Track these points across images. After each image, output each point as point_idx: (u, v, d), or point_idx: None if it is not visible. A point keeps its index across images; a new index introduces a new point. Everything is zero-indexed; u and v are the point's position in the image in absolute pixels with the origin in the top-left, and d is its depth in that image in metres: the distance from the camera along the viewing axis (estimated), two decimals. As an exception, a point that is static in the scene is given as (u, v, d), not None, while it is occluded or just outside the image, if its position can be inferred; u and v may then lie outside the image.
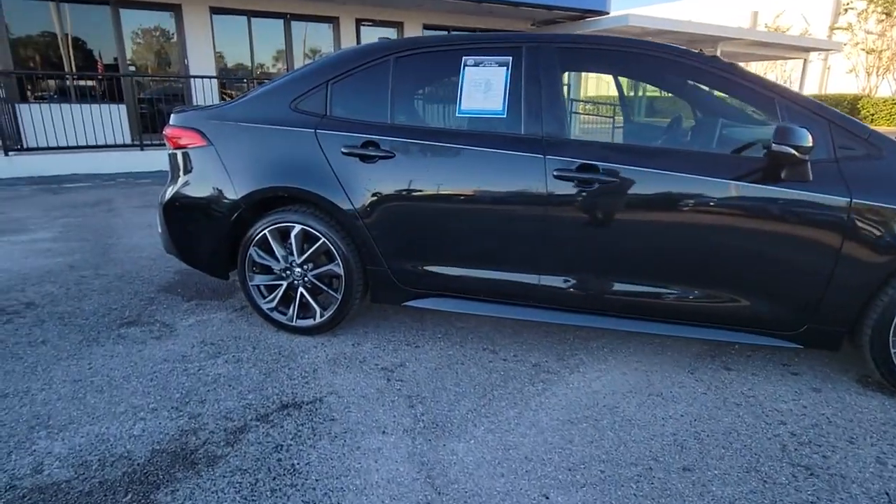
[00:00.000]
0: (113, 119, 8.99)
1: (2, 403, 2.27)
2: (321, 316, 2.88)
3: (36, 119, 8.45)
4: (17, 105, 8.84)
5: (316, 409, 2.28)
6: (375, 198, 2.65)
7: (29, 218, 5.51)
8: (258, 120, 2.83)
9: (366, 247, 2.73)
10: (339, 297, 2.83)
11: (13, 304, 3.30)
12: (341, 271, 2.79)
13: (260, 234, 2.84)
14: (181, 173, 2.97)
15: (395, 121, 2.71)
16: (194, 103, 9.90)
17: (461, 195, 2.57)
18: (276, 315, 2.96)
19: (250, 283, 2.95)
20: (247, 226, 2.91)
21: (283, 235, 2.86)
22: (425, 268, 2.72)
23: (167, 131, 3.03)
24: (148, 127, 9.65)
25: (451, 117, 2.69)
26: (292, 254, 2.84)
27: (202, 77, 9.61)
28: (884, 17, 23.09)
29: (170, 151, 3.04)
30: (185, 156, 2.94)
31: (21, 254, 4.29)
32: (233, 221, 2.85)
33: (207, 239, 2.95)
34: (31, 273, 3.85)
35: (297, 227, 2.78)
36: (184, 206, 2.96)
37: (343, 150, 2.68)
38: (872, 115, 21.68)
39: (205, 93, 9.77)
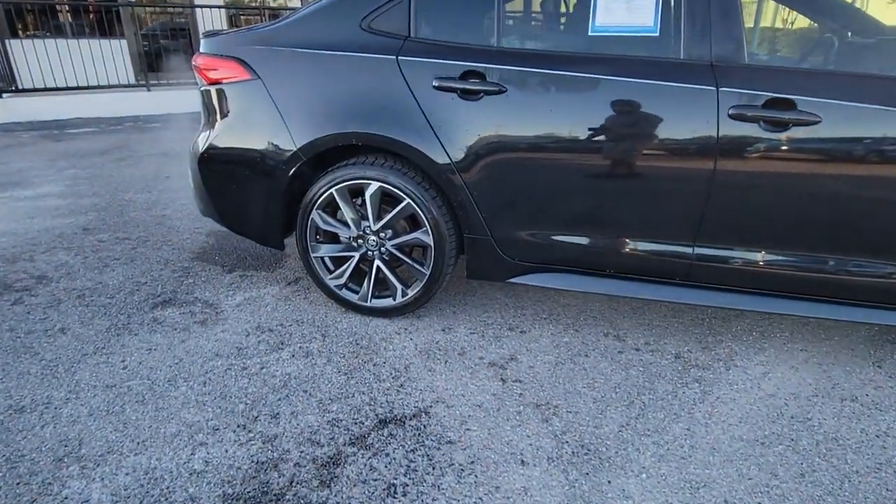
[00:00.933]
0: (115, 56, 8.19)
1: (18, 422, 1.76)
2: (403, 295, 2.32)
3: (30, 57, 7.66)
4: (6, 41, 8.04)
5: (424, 427, 1.76)
6: (479, 146, 2.03)
7: (31, 169, 4.89)
8: (319, 45, 2.17)
9: (463, 209, 2.14)
10: (427, 273, 2.26)
11: (22, 277, 2.75)
12: (430, 240, 2.20)
13: (325, 195, 2.24)
14: (219, 116, 2.34)
15: (504, 43, 2.05)
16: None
17: (595, 142, 1.95)
18: (345, 293, 2.40)
19: (313, 255, 2.37)
20: (308, 183, 2.31)
21: (354, 195, 2.27)
22: (542, 236, 2.13)
23: (198, 61, 2.37)
24: (153, 65, 8.83)
25: (582, 38, 2.02)
26: (366, 218, 2.26)
27: (208, 6, 8.70)
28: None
29: (202, 88, 2.40)
30: (223, 94, 2.30)
31: (26, 213, 3.72)
32: (290, 178, 2.25)
33: (256, 200, 2.35)
34: (40, 237, 3.28)
35: (374, 186, 2.17)
36: (224, 159, 2.35)
37: (435, 83, 2.03)
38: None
39: (213, 25, 8.88)
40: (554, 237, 2.12)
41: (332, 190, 2.22)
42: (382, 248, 2.30)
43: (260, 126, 2.25)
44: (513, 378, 2.00)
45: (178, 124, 7.22)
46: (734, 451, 1.67)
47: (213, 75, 2.32)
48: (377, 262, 2.31)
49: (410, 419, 1.79)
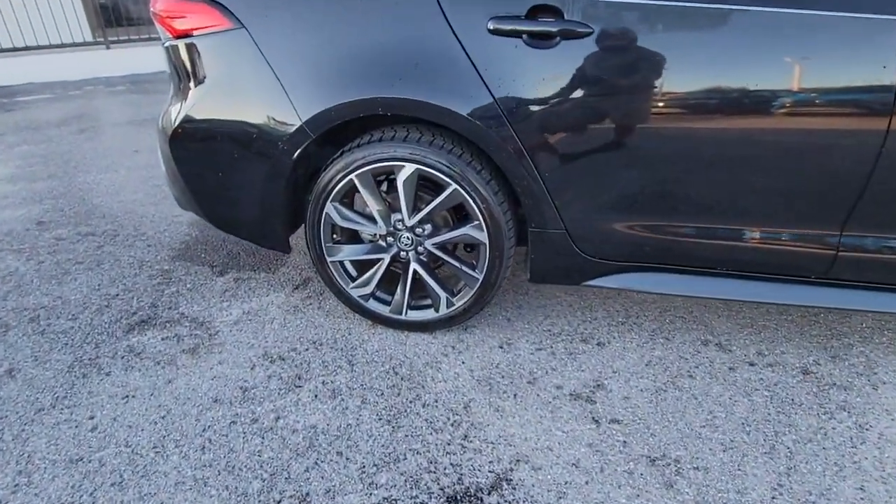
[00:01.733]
0: (66, 9, 7.29)
1: (-54, 530, 1.26)
2: (448, 305, 1.82)
3: (-32, 14, 6.77)
4: (-59, -3, 7.10)
5: (511, 506, 1.29)
6: (555, 111, 1.49)
7: (-24, 147, 4.23)
8: (323, -24, 1.58)
9: (530, 196, 1.61)
10: (480, 277, 1.75)
11: (-41, 294, 2.20)
12: (484, 236, 1.69)
13: (343, 182, 1.70)
14: (192, 82, 1.76)
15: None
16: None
17: (717, 99, 1.41)
18: (373, 305, 1.89)
19: (330, 259, 1.85)
20: (319, 166, 1.77)
21: (381, 181, 1.74)
22: (640, 225, 1.62)
23: (157, 7, 1.77)
24: (112, 18, 7.92)
25: None
26: (398, 210, 1.73)
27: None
28: None
29: (167, 43, 1.80)
30: (195, 50, 1.71)
31: (-32, 203, 3.11)
32: (294, 161, 1.70)
33: (250, 190, 1.80)
34: (-16, 236, 2.70)
35: (409, 168, 1.64)
36: (204, 136, 1.78)
37: (491, 25, 1.47)
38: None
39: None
40: (656, 226, 1.61)
41: (353, 176, 1.68)
42: (420, 248, 1.78)
43: (249, 92, 1.68)
44: (608, 417, 1.54)
45: (145, 87, 6.47)
46: (936, 522, 1.24)
47: (180, 25, 1.72)
48: (413, 266, 1.80)
49: (489, 493, 1.32)
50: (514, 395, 1.62)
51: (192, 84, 1.76)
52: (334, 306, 2.06)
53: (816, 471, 1.36)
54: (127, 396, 1.64)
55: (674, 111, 1.45)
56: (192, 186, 1.90)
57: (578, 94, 1.47)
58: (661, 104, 1.44)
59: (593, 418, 1.53)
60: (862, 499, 1.29)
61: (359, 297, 1.88)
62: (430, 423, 1.53)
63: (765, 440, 1.45)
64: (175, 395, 1.64)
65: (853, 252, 1.52)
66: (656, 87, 1.43)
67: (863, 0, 1.30)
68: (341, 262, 1.86)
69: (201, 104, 1.75)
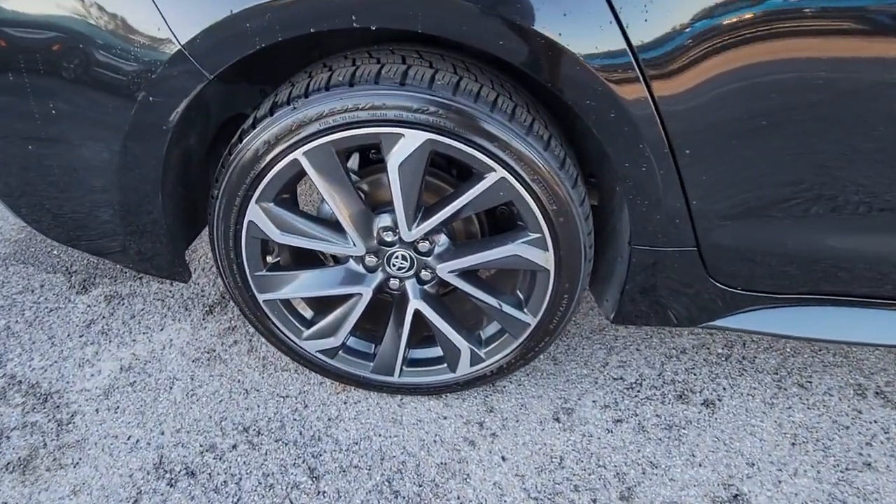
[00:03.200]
0: None
1: None
2: (473, 361, 1.08)
3: None
4: None
5: None
6: (729, 58, 0.71)
7: None
8: None
9: (645, 193, 0.85)
10: (534, 321, 1.01)
11: None
12: (547, 258, 0.93)
13: (281, 164, 0.87)
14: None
15: None
16: None
17: None
18: (341, 362, 1.12)
19: (262, 297, 1.04)
20: (221, 132, 0.93)
21: (357, 159, 0.94)
22: (816, 239, 0.91)
23: None
24: None
25: None
26: (386, 212, 0.94)
27: None
28: None
29: None
30: None
31: None
32: (176, 122, 0.84)
33: (92, 177, 0.94)
34: None
35: (414, 139, 0.82)
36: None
37: None
38: None
39: None
40: (836, 240, 0.91)
41: (300, 153, 0.85)
42: (424, 274, 1.01)
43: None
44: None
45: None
46: None
47: None
48: (416, 305, 1.03)
49: None
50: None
51: None
52: (273, 355, 1.28)
53: None
54: None
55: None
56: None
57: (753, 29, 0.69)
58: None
59: (752, 579, 0.89)
60: None
61: (319, 352, 1.10)
62: None
63: None
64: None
65: None
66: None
67: None
68: (282, 302, 1.06)
69: None
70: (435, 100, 0.80)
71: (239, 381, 1.21)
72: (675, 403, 1.18)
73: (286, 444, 1.09)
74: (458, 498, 1.00)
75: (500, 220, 1.06)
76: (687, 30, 0.71)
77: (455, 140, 0.82)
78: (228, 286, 1.04)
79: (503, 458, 1.07)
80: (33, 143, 0.92)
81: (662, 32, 0.72)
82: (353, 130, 0.83)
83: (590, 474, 1.04)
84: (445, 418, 1.14)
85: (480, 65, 0.88)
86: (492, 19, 0.73)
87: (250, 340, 1.30)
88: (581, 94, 0.77)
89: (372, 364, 1.11)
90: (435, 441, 1.09)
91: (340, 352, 1.11)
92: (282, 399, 1.17)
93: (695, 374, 1.24)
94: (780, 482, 1.04)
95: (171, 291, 1.44)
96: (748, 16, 0.70)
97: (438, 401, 1.17)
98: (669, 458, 1.07)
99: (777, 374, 1.24)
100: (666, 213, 0.87)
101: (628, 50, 0.73)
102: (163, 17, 0.75)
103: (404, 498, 1.00)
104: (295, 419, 1.13)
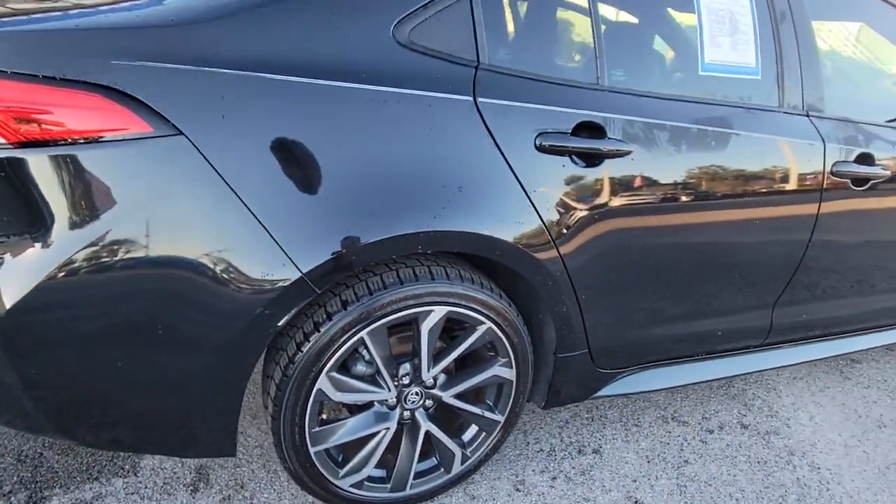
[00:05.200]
0: None
1: None
2: (464, 460, 1.49)
3: None
4: None
5: None
6: (597, 234, 1.37)
7: None
8: (313, 66, 1.10)
9: (565, 322, 1.44)
10: (502, 418, 1.49)
11: None
12: (513, 373, 1.44)
13: (350, 343, 1.22)
14: (66, 214, 1.01)
15: (612, 79, 1.40)
16: None
17: (725, 214, 1.53)
18: (367, 490, 1.41)
19: (314, 449, 1.30)
20: (300, 326, 1.23)
21: (397, 333, 1.32)
22: (651, 333, 1.62)
23: None
24: None
25: (691, 75, 1.53)
26: (416, 361, 1.34)
27: None
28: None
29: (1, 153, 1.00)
30: (78, 165, 1.00)
31: None
32: (278, 329, 1.14)
33: (184, 382, 1.13)
34: None
35: (439, 312, 1.28)
36: (86, 306, 1.04)
37: (539, 141, 1.27)
38: None
39: None
40: (662, 329, 1.63)
41: (365, 333, 1.22)
42: (428, 402, 1.41)
43: (192, 232, 1.06)
44: (674, 538, 1.48)
45: None
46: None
47: (43, 126, 0.98)
48: (426, 427, 1.41)
49: None
50: (582, 550, 1.42)
51: (60, 222, 1.01)
52: None
53: None
54: None
55: (695, 223, 1.50)
56: (59, 394, 1.10)
57: (620, 212, 1.39)
58: (687, 219, 1.48)
59: (666, 546, 1.46)
60: None
61: (351, 486, 1.38)
62: None
63: (781, 500, 1.62)
64: None
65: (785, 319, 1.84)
66: (684, 200, 1.46)
67: (795, 126, 1.60)
68: (326, 450, 1.33)
69: (93, 252, 1.02)
70: (456, 288, 1.27)
71: (265, 537, 1.37)
72: (578, 457, 1.74)
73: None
74: (484, 563, 1.36)
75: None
76: (589, 239, 1.35)
77: (463, 309, 1.30)
78: (283, 448, 1.27)
79: (499, 527, 1.47)
80: (127, 360, 1.09)
81: (576, 245, 1.34)
82: (404, 312, 1.24)
83: (554, 518, 1.51)
84: (446, 513, 1.49)
85: (456, 262, 1.38)
86: (486, 239, 1.25)
87: (251, 500, 1.46)
88: (533, 271, 1.34)
89: (389, 485, 1.43)
90: (447, 531, 1.44)
91: (365, 482, 1.40)
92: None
93: (572, 431, 1.83)
94: (653, 486, 1.66)
95: (140, 483, 1.49)
96: (607, 218, 1.37)
97: (433, 501, 1.52)
98: (591, 491, 1.61)
99: (622, 420, 1.92)
100: (571, 331, 1.47)
101: (557, 254, 1.32)
102: (290, 258, 1.09)
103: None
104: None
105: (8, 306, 1.01)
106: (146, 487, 1.47)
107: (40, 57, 0.99)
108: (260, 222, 1.07)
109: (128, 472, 1.52)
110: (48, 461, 1.53)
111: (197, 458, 1.42)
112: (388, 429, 1.37)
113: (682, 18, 1.51)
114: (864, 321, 2.07)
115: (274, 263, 1.09)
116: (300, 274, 1.10)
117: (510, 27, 1.49)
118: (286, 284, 1.10)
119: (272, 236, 1.08)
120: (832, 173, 1.64)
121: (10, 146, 0.98)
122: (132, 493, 1.45)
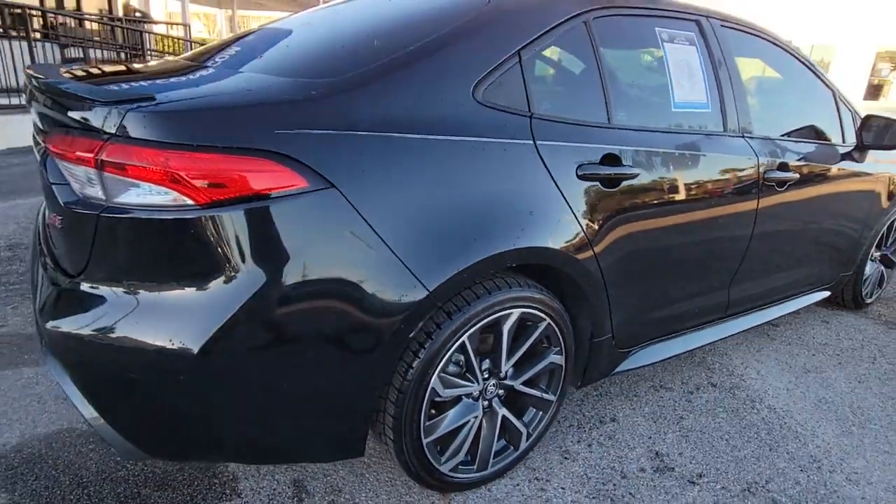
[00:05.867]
0: None
1: None
2: (527, 438, 1.78)
3: None
4: None
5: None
6: (617, 238, 1.74)
7: None
8: (417, 123, 1.37)
9: (596, 312, 1.79)
10: (555, 398, 1.81)
11: None
12: (562, 360, 1.77)
13: (455, 346, 1.48)
14: (246, 260, 1.20)
15: (618, 120, 1.78)
16: None
17: (701, 214, 1.97)
18: (458, 474, 1.66)
19: (426, 440, 1.54)
20: (416, 336, 1.47)
21: (484, 334, 1.59)
22: (655, 316, 2.02)
23: (175, 163, 1.14)
24: None
25: (665, 112, 1.95)
26: (495, 357, 1.63)
27: None
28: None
29: (194, 214, 1.16)
30: (253, 219, 1.19)
31: None
32: (409, 339, 1.39)
33: (336, 393, 1.35)
34: None
35: (515, 314, 1.59)
36: (262, 338, 1.23)
37: (579, 171, 1.62)
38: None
39: None
40: (661, 311, 2.04)
41: (465, 337, 1.49)
42: (501, 391, 1.70)
43: (345, 267, 1.29)
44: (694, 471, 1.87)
45: None
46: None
47: (224, 188, 1.17)
48: (501, 412, 1.69)
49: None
50: (630, 492, 1.77)
51: (244, 263, 1.20)
52: None
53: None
54: None
55: (679, 224, 1.92)
56: (240, 419, 1.27)
57: (631, 221, 1.77)
58: (673, 221, 1.90)
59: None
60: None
61: (450, 470, 1.63)
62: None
63: (756, 435, 2.08)
64: None
65: (736, 297, 2.34)
66: (672, 210, 1.88)
67: (741, 147, 2.09)
68: (434, 440, 1.57)
69: (272, 292, 1.22)
70: (526, 293, 1.58)
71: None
72: (601, 425, 2.09)
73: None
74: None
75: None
76: (614, 244, 1.71)
77: (532, 310, 1.61)
78: (401, 443, 1.50)
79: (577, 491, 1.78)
80: (291, 380, 1.28)
81: (605, 249, 1.70)
82: (491, 317, 1.53)
83: (609, 468, 1.85)
84: (540, 479, 1.78)
85: (517, 273, 1.68)
86: (552, 251, 1.58)
87: (354, 502, 1.66)
88: (580, 274, 1.68)
89: (475, 466, 1.69)
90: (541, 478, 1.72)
91: (459, 465, 1.65)
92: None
93: (596, 407, 2.19)
94: (665, 440, 2.05)
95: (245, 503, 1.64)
96: (626, 225, 1.75)
97: (505, 478, 1.80)
98: (622, 450, 1.97)
99: (622, 394, 2.30)
100: (601, 319, 1.82)
101: (595, 259, 1.68)
102: (419, 280, 1.34)
103: (540, 531, 1.60)
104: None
105: (198, 347, 1.18)
106: (253, 506, 1.62)
107: (216, 131, 1.18)
108: (394, 254, 1.32)
109: (230, 495, 1.65)
110: (149, 499, 1.62)
111: (334, 461, 1.61)
112: (476, 417, 1.64)
113: (659, 70, 1.93)
114: (786, 291, 2.63)
115: (407, 286, 1.34)
116: (427, 292, 1.35)
117: (548, 84, 1.84)
118: (417, 301, 1.35)
119: (405, 265, 1.33)
120: (764, 179, 2.15)
121: (198, 207, 1.16)
122: (242, 513, 1.59)
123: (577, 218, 1.62)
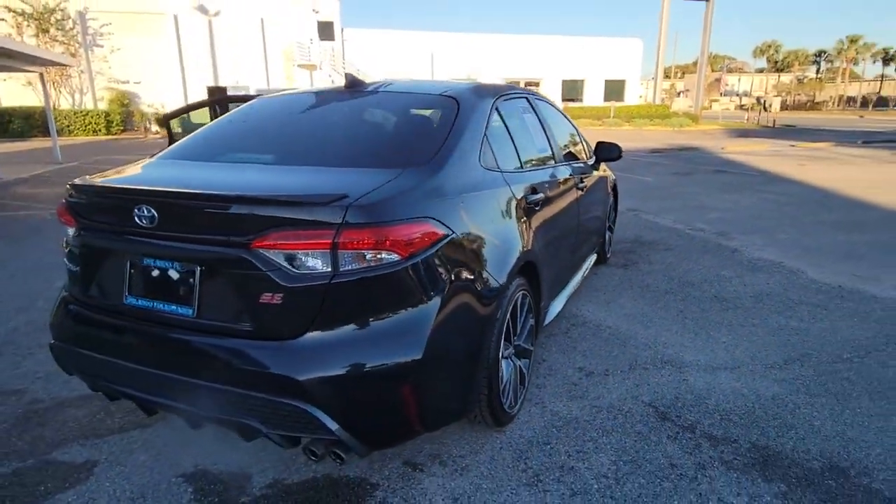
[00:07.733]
0: None
1: None
2: (528, 380, 2.70)
3: None
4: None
5: (667, 403, 2.70)
6: (540, 230, 2.80)
7: None
8: (467, 187, 2.20)
9: (540, 284, 2.81)
10: (532, 347, 2.76)
11: None
12: (534, 321, 2.74)
13: (507, 314, 2.34)
14: (432, 290, 1.90)
15: (524, 163, 2.82)
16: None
17: (564, 207, 3.20)
18: (509, 410, 2.48)
19: (501, 385, 2.33)
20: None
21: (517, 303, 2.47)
22: (555, 280, 3.14)
23: (394, 235, 1.78)
24: None
25: (545, 154, 3.10)
26: (515, 324, 2.52)
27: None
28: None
29: (398, 267, 1.80)
30: (431, 260, 1.89)
31: None
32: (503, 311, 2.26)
33: (483, 355, 2.17)
34: None
35: (519, 294, 2.50)
36: (455, 325, 2.00)
37: (527, 201, 2.62)
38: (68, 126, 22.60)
39: None
40: (558, 276, 3.18)
41: (509, 309, 2.34)
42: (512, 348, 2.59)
43: (472, 272, 2.10)
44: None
45: None
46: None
47: (411, 246, 1.82)
48: (519, 363, 2.57)
49: None
50: (584, 388, 2.83)
51: (431, 291, 1.86)
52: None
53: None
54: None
55: (564, 215, 3.09)
56: (437, 397, 1.97)
57: (544, 219, 2.87)
58: (561, 214, 3.06)
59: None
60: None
61: (508, 408, 2.44)
62: (610, 417, 2.59)
63: (622, 345, 3.39)
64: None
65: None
66: (558, 208, 3.03)
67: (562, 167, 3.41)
68: (505, 384, 2.38)
69: (447, 302, 1.92)
70: (522, 280, 2.50)
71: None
72: (536, 374, 3.12)
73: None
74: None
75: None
76: (539, 237, 2.76)
77: (524, 290, 2.54)
78: (490, 395, 2.25)
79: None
80: (464, 354, 1.96)
81: (538, 242, 2.73)
82: (517, 295, 2.41)
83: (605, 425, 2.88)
84: (519, 440, 2.67)
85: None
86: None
87: (465, 462, 2.32)
88: (534, 262, 2.67)
89: (509, 407, 2.52)
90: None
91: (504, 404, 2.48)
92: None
93: (555, 357, 3.22)
94: (587, 359, 3.19)
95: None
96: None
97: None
98: (547, 378, 3.03)
99: (546, 345, 3.39)
100: (545, 289, 2.86)
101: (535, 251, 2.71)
102: (505, 273, 2.14)
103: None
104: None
105: (421, 354, 1.80)
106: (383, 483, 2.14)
107: (401, 210, 1.82)
108: (487, 260, 2.12)
109: (370, 490, 2.13)
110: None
111: (475, 415, 2.28)
112: (512, 368, 2.49)
113: (537, 127, 3.09)
114: (586, 255, 4.10)
115: (501, 277, 2.16)
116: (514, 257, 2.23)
117: (490, 145, 2.73)
118: (498, 287, 2.17)
119: (489, 268, 2.14)
120: (576, 184, 3.49)
121: (403, 259, 1.79)
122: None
123: (531, 227, 2.62)
